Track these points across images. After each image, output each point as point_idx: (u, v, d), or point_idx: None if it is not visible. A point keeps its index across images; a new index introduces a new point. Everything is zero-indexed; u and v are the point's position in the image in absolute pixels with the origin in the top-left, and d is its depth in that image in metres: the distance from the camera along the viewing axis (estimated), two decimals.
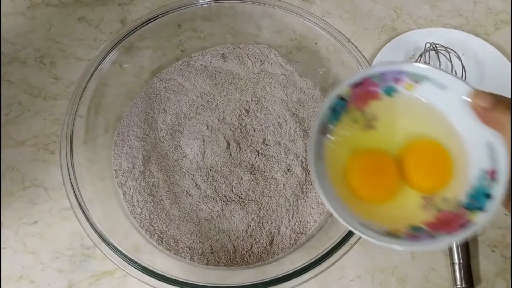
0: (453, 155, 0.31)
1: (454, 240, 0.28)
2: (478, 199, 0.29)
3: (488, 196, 0.28)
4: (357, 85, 0.32)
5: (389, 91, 0.32)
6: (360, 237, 0.40)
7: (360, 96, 0.33)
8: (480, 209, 0.28)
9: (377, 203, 0.32)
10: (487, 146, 0.29)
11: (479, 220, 0.28)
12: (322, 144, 0.32)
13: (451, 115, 0.31)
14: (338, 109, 0.32)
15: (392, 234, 0.29)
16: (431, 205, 0.31)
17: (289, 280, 0.39)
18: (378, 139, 0.33)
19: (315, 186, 0.30)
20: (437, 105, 0.32)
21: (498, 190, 0.27)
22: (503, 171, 0.28)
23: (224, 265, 0.45)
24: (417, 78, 0.31)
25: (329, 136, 0.32)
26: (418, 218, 0.30)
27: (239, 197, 0.49)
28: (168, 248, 0.46)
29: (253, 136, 0.52)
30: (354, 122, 0.33)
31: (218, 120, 0.53)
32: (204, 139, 0.52)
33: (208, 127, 0.52)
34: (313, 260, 0.39)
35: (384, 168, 0.32)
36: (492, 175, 0.28)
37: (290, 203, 0.48)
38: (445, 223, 0.29)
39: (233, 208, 0.48)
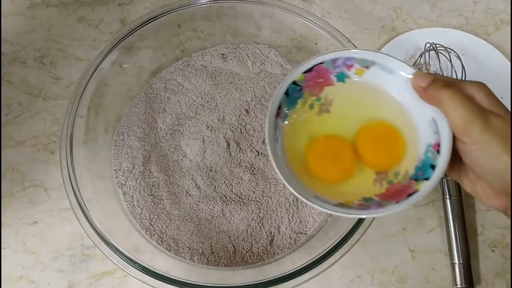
0: (405, 133, 0.33)
1: (401, 208, 0.30)
2: (424, 170, 0.31)
3: (433, 167, 0.30)
4: (309, 70, 0.34)
5: (341, 77, 0.35)
6: (360, 237, 0.40)
7: (315, 83, 0.35)
8: (427, 179, 0.30)
9: (334, 183, 0.34)
10: (432, 122, 0.31)
11: (424, 188, 0.30)
12: (279, 127, 0.34)
13: (399, 96, 0.33)
14: (293, 95, 0.35)
15: (344, 205, 0.31)
16: (384, 179, 0.33)
17: (289, 280, 0.39)
18: (333, 123, 0.35)
19: (271, 163, 0.32)
20: (387, 87, 0.34)
21: (441, 161, 0.30)
22: (445, 143, 0.30)
23: (224, 265, 0.45)
24: (366, 64, 0.34)
25: (285, 119, 0.34)
26: (371, 191, 0.33)
27: (239, 197, 0.49)
28: (168, 248, 0.46)
29: (253, 136, 0.52)
30: (310, 108, 0.35)
31: (218, 120, 0.53)
32: (204, 139, 0.52)
33: (208, 127, 0.52)
34: (313, 260, 0.39)
35: (340, 152, 0.34)
36: (436, 148, 0.31)
37: (290, 203, 0.48)
38: (395, 193, 0.31)
39: (233, 208, 0.48)
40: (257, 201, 0.48)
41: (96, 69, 0.48)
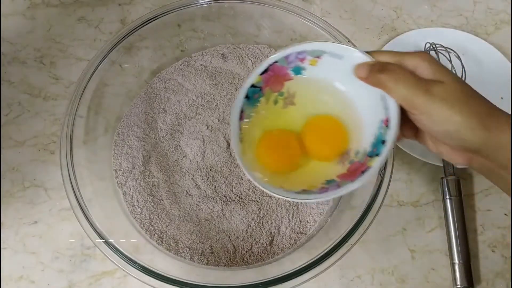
0: (359, 112, 0.35)
1: (355, 186, 0.31)
2: (378, 147, 0.32)
3: (383, 142, 0.32)
4: (265, 71, 0.36)
5: (298, 70, 0.36)
6: (360, 237, 0.40)
7: (274, 80, 0.37)
8: (378, 155, 0.32)
9: (285, 172, 0.36)
10: (382, 99, 0.32)
11: (375, 164, 0.32)
12: (242, 129, 0.36)
13: (351, 79, 0.34)
14: (254, 97, 0.37)
15: (306, 191, 0.33)
16: (346, 159, 0.35)
17: (289, 280, 0.39)
18: (298, 114, 0.37)
19: (239, 163, 0.35)
20: (340, 73, 0.35)
21: (390, 136, 0.31)
22: (393, 117, 0.31)
23: (224, 265, 0.45)
24: (317, 54, 0.35)
25: (250, 120, 0.37)
26: (334, 172, 0.35)
27: (239, 197, 0.49)
28: (168, 248, 0.46)
29: None
30: (275, 103, 0.37)
31: (218, 120, 0.53)
32: (204, 139, 0.52)
33: (208, 127, 0.52)
34: (313, 260, 0.39)
35: (287, 143, 0.37)
36: (386, 123, 0.32)
37: (290, 203, 0.48)
38: (353, 172, 0.33)
39: (233, 208, 0.48)
40: (257, 201, 0.48)
41: (96, 69, 0.48)
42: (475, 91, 0.30)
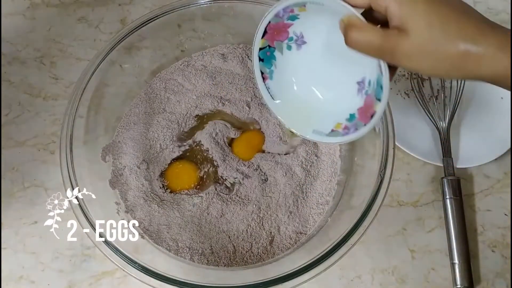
0: None
1: (368, 128, 0.35)
2: (377, 90, 0.34)
3: (381, 87, 0.33)
4: (265, 33, 0.38)
5: (293, 18, 0.38)
6: (360, 237, 0.40)
7: (277, 33, 0.39)
8: (379, 100, 0.34)
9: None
10: None
11: (379, 109, 0.34)
12: (271, 88, 0.41)
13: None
14: (267, 55, 0.40)
15: (334, 131, 0.38)
16: (363, 88, 0.36)
17: (289, 280, 0.39)
18: (314, 50, 0.39)
19: (278, 119, 0.40)
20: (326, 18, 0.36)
21: (385, 82, 0.32)
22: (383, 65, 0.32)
23: (224, 265, 0.45)
24: (301, 4, 0.36)
25: (273, 77, 0.40)
26: (355, 104, 0.37)
27: (239, 197, 0.49)
28: (168, 248, 0.46)
29: None
30: (289, 49, 0.40)
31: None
32: None
33: None
34: (313, 260, 0.39)
35: None
36: (380, 69, 0.32)
37: (290, 203, 0.48)
38: (368, 108, 0.35)
39: (233, 208, 0.48)
40: (257, 201, 0.48)
41: (96, 69, 0.48)
42: (448, 34, 0.28)
